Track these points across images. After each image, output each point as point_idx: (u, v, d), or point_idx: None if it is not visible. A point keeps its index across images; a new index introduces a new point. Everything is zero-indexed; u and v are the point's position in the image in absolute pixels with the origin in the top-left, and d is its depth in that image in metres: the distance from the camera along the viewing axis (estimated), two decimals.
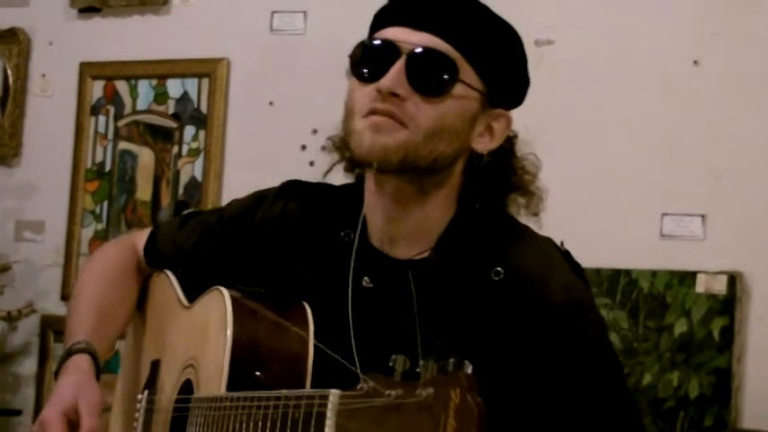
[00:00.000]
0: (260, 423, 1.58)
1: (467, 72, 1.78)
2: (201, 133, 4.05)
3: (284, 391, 1.57)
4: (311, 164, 3.78)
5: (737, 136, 3.37)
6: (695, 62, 3.42)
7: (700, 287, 3.32)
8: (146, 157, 4.15)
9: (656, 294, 3.36)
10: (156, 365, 2.05)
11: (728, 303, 3.29)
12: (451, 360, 1.33)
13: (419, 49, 1.76)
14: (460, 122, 1.79)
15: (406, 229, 1.84)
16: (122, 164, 4.18)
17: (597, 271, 3.30)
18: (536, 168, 1.89)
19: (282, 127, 3.94)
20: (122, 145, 4.19)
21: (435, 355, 1.73)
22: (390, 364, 1.38)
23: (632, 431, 1.79)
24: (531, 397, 1.74)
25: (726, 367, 3.26)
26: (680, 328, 3.32)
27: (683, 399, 3.29)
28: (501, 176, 1.86)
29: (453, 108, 1.77)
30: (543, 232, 1.89)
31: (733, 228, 3.35)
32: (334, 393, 1.42)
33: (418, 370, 1.34)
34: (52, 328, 4.18)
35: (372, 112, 1.76)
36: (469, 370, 1.32)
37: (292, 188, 1.99)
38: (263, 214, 1.97)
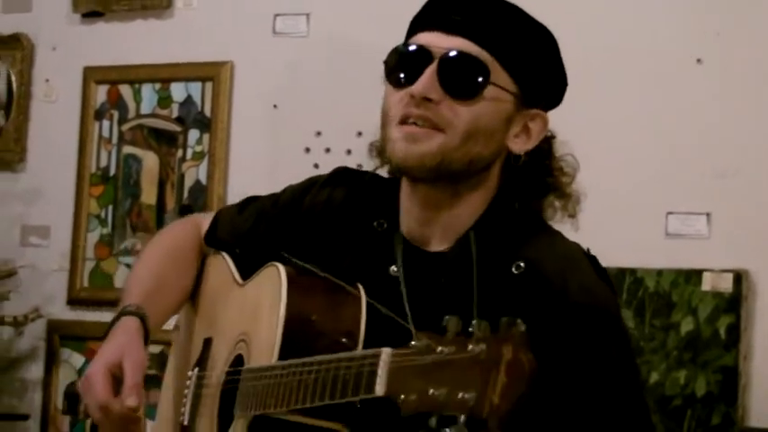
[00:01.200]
0: (310, 387, 1.61)
1: (498, 74, 1.80)
2: (206, 137, 4.05)
3: (336, 355, 1.60)
4: (315, 166, 3.78)
5: (742, 134, 3.36)
6: (699, 60, 3.42)
7: (706, 285, 3.31)
8: (150, 160, 4.15)
9: (662, 293, 3.35)
10: (208, 343, 2.07)
11: (734, 301, 3.28)
12: (504, 319, 1.34)
13: (451, 54, 1.78)
14: (495, 123, 1.81)
15: (435, 230, 1.86)
16: (127, 168, 4.18)
17: None
18: (573, 170, 1.90)
19: (286, 130, 3.94)
20: (127, 149, 4.19)
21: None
22: (443, 324, 1.39)
23: None
24: (542, 394, 1.73)
25: (733, 365, 3.26)
26: (686, 326, 3.32)
27: (690, 397, 3.28)
28: (538, 177, 1.88)
29: (487, 109, 1.79)
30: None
31: (738, 226, 3.34)
32: (386, 352, 1.46)
33: (471, 329, 1.35)
34: (58, 332, 4.18)
35: (406, 118, 1.78)
36: (523, 328, 1.33)
37: (341, 176, 2.03)
38: (310, 201, 2.01)
